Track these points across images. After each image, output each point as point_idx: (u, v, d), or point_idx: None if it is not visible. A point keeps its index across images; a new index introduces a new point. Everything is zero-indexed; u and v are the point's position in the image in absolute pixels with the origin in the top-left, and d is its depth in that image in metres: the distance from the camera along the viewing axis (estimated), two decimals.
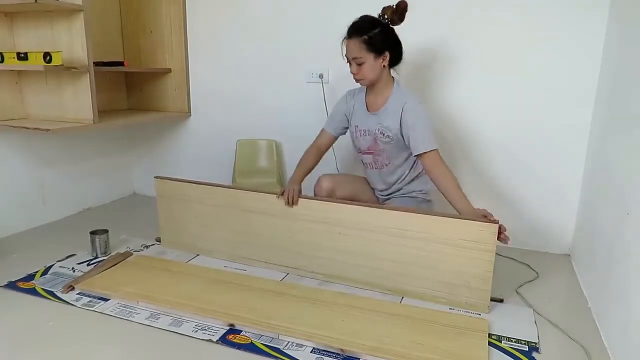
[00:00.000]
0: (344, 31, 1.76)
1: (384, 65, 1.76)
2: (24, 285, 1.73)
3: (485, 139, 2.18)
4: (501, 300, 1.67)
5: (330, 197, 1.86)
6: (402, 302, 1.66)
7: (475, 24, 2.08)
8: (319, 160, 1.98)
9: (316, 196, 1.88)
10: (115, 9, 2.65)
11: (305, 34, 2.38)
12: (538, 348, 1.41)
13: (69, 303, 1.61)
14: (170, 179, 2.03)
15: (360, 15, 1.76)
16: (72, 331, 1.46)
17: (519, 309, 1.64)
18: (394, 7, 1.73)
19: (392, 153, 1.84)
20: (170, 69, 2.66)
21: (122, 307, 1.59)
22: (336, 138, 1.99)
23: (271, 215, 1.84)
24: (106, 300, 1.63)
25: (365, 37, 1.71)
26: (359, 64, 1.74)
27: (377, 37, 1.71)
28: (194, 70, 2.66)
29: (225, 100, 2.64)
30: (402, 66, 1.84)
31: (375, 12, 1.75)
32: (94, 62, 2.10)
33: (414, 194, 1.90)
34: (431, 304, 1.64)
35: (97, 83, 2.13)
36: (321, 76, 2.36)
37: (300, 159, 1.96)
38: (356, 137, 1.90)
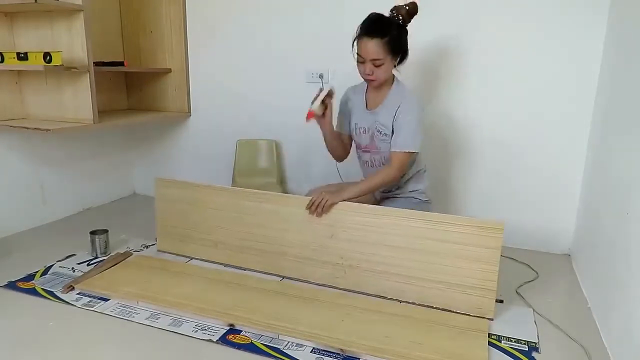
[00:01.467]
0: (344, 31, 1.75)
1: (394, 66, 1.74)
2: (24, 285, 1.73)
3: (485, 140, 2.18)
4: (501, 301, 1.67)
5: None
6: (402, 303, 1.66)
7: (476, 24, 2.08)
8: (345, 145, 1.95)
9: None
10: (115, 9, 2.65)
11: (305, 34, 2.38)
12: (538, 348, 1.42)
13: (69, 303, 1.61)
14: (173, 180, 2.01)
15: (371, 13, 1.69)
16: (72, 331, 1.46)
17: (519, 309, 1.64)
18: (407, 7, 1.69)
19: (388, 151, 1.79)
20: (170, 69, 2.66)
21: (122, 307, 1.59)
22: (350, 136, 1.95)
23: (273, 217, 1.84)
24: (106, 300, 1.63)
25: (388, 38, 1.64)
26: (377, 66, 1.68)
27: (397, 38, 1.67)
28: (194, 71, 2.66)
29: (225, 100, 2.64)
30: (406, 65, 1.82)
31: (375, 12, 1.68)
32: (94, 62, 2.11)
33: (412, 195, 1.87)
34: (433, 309, 1.62)
35: (97, 83, 2.13)
36: (321, 76, 2.35)
37: None
38: (356, 134, 1.90)
